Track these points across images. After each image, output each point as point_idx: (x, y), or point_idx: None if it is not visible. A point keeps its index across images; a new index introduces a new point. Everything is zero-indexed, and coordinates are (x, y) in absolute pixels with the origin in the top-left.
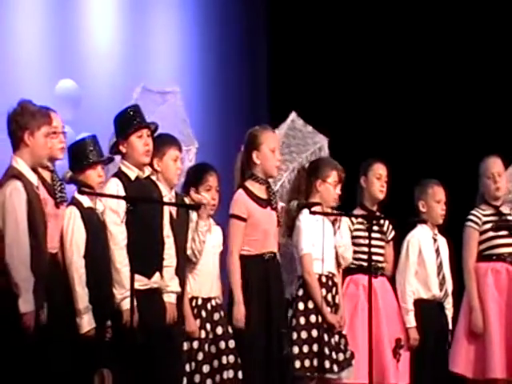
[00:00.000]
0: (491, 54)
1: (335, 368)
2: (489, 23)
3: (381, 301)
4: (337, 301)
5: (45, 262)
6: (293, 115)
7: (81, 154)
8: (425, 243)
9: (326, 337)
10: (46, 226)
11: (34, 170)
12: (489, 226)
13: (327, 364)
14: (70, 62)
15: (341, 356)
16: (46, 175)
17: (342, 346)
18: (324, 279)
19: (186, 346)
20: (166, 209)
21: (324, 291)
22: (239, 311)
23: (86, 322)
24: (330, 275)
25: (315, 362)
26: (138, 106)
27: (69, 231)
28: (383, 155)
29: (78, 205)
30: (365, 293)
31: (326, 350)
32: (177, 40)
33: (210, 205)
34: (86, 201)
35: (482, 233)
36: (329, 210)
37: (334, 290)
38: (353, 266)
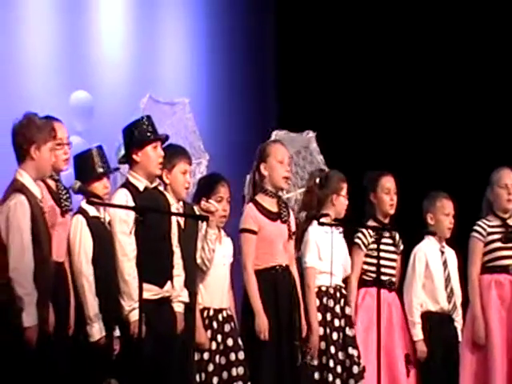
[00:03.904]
0: (501, 67)
1: (339, 383)
2: (498, 29)
3: (394, 314)
4: (347, 312)
5: (50, 275)
6: (311, 134)
7: (87, 166)
8: (432, 256)
9: (332, 349)
10: (51, 238)
11: (40, 179)
12: (494, 237)
13: (330, 378)
14: (82, 72)
15: (355, 369)
16: (52, 184)
17: (355, 359)
18: (332, 291)
19: (196, 356)
20: (174, 219)
21: (332, 303)
22: (262, 323)
23: (97, 331)
24: (338, 287)
25: (325, 375)
26: (151, 116)
27: (76, 239)
28: (391, 167)
29: (84, 213)
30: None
31: (331, 363)
32: (186, 49)
33: (219, 213)
34: (91, 210)
35: (486, 244)
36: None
37: (342, 301)
38: (368, 278)
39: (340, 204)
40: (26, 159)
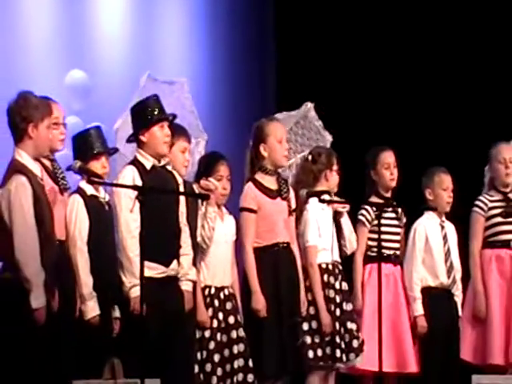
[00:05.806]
0: (498, 43)
1: (344, 357)
2: (495, 11)
3: (400, 288)
4: (343, 287)
5: (54, 253)
6: (309, 105)
7: (85, 145)
8: (431, 231)
9: (337, 325)
10: (53, 216)
11: (36, 159)
12: (495, 211)
13: (338, 353)
14: (79, 52)
15: (355, 343)
16: (48, 164)
17: (354, 333)
18: (331, 267)
19: (197, 334)
20: (183, 197)
21: (332, 279)
22: (258, 301)
23: (91, 308)
24: (336, 264)
25: (328, 351)
26: (158, 96)
27: (72, 218)
28: (390, 143)
29: (82, 193)
30: (387, 281)
31: (337, 339)
32: (186, 30)
33: (219, 191)
34: (89, 189)
35: (487, 219)
36: (335, 198)
37: (340, 277)
38: (373, 254)
39: (333, 179)
40: (23, 138)
